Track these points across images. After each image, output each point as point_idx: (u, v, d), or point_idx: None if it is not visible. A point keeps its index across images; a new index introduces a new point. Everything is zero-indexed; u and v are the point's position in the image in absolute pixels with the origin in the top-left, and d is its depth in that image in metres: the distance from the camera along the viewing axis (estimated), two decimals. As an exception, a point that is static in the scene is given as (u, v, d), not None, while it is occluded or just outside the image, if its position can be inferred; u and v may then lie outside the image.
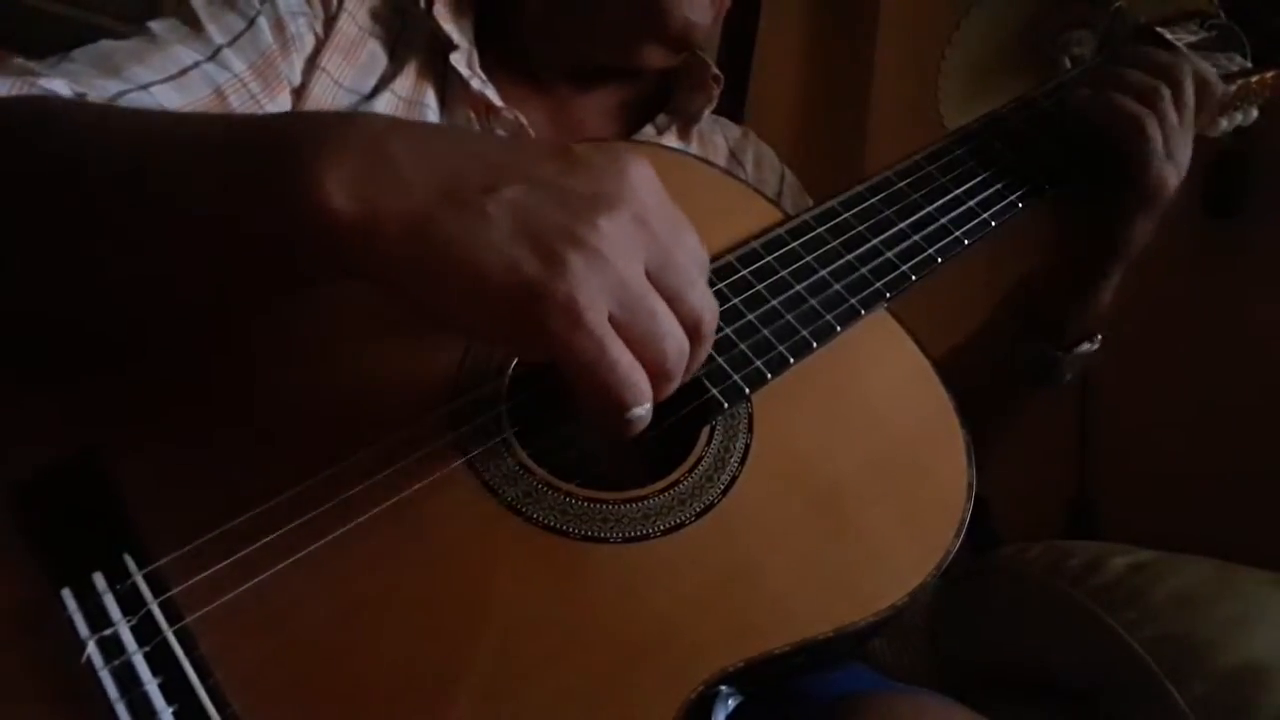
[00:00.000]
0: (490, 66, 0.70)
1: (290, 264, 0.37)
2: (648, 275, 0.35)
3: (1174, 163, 0.60)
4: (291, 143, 0.35)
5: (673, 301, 0.36)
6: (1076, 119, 0.62)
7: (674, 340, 0.36)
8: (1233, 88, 0.69)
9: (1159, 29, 0.70)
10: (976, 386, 0.70)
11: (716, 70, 0.76)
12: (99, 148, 0.40)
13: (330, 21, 0.67)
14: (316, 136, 0.35)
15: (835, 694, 0.48)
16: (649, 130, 0.75)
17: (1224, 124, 0.71)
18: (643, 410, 0.35)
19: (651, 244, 0.36)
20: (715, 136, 0.81)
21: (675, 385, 0.37)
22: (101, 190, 0.39)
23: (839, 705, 0.46)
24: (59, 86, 0.52)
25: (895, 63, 1.43)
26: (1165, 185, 0.60)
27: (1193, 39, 0.71)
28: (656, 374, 0.35)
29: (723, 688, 0.40)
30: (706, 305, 0.37)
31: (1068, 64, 1.05)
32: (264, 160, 0.36)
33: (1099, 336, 0.70)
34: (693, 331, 0.37)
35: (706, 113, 0.77)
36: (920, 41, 1.29)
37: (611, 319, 0.34)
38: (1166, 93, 0.60)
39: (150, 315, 0.44)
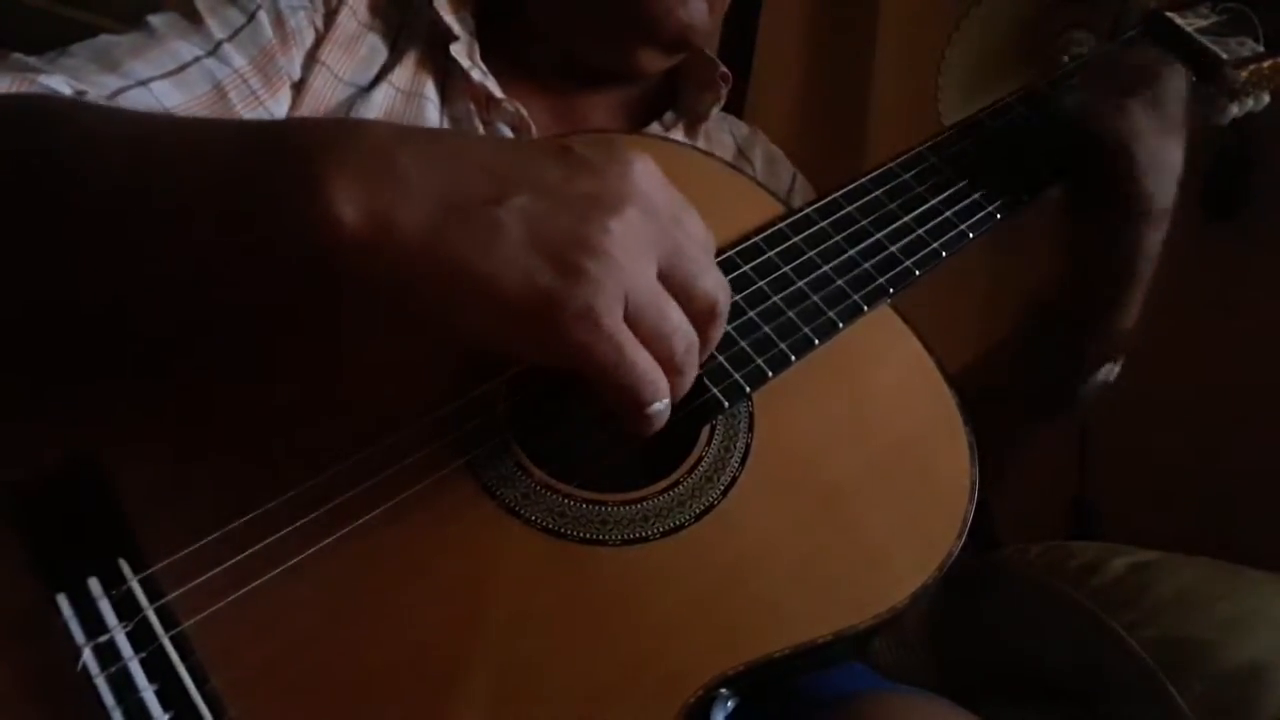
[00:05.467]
0: (492, 58, 0.69)
1: (294, 280, 0.36)
2: (659, 267, 0.36)
3: (1164, 168, 0.58)
4: (297, 155, 0.35)
5: (686, 289, 0.37)
6: (1064, 126, 0.60)
7: (682, 335, 0.37)
8: (1244, 73, 0.67)
9: (1169, 14, 0.69)
10: (987, 414, 0.69)
11: (725, 69, 0.75)
12: (100, 155, 0.39)
13: (331, 15, 0.66)
14: (323, 148, 0.35)
15: (834, 694, 0.47)
16: (655, 128, 0.74)
17: (1234, 109, 0.69)
18: (662, 405, 0.36)
19: (660, 237, 0.36)
20: (722, 135, 0.80)
21: (690, 378, 0.38)
22: (102, 199, 0.38)
23: (837, 705, 0.46)
24: (58, 83, 0.51)
25: (895, 63, 1.42)
26: (1154, 198, 0.58)
27: (1204, 23, 0.69)
28: (668, 369, 0.36)
29: (722, 690, 0.40)
30: (719, 286, 0.38)
31: (1067, 64, 1.05)
32: (269, 173, 0.35)
33: (1118, 362, 0.66)
34: (708, 313, 0.38)
35: (715, 111, 0.76)
36: (920, 41, 1.29)
37: (624, 319, 0.35)
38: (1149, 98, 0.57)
39: (149, 323, 0.43)
